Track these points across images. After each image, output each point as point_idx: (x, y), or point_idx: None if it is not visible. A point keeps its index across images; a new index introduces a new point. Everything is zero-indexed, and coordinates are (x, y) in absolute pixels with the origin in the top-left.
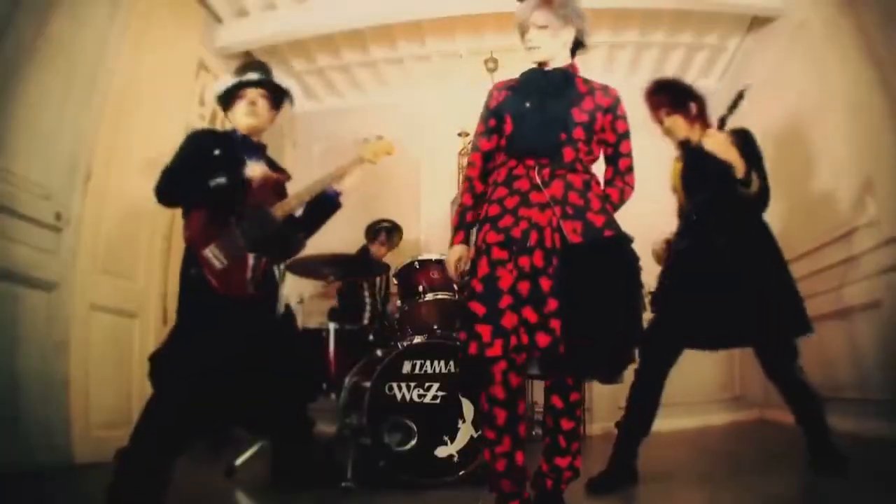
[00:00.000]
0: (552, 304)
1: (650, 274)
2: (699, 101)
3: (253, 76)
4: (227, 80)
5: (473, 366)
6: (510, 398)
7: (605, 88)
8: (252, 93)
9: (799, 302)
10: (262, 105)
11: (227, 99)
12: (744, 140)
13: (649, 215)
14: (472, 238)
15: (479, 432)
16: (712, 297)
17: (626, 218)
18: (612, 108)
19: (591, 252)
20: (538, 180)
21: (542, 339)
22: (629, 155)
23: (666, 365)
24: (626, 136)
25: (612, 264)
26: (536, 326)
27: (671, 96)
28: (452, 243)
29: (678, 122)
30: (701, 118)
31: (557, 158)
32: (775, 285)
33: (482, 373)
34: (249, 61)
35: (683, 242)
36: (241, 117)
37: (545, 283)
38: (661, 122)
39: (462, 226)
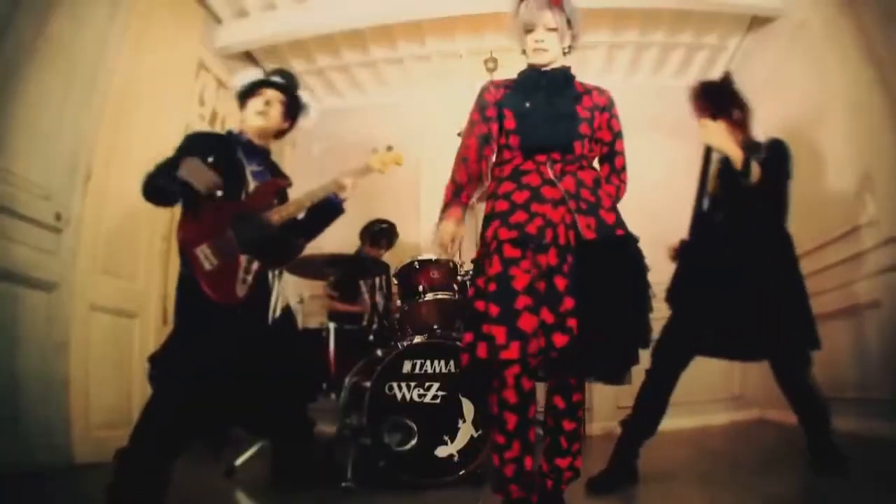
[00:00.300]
0: (568, 303)
1: (658, 273)
2: (744, 108)
3: (275, 78)
4: (250, 75)
5: (483, 368)
6: (522, 402)
7: (600, 89)
8: (269, 93)
9: (808, 314)
10: (276, 109)
11: (244, 96)
12: (772, 148)
13: (650, 216)
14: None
15: (479, 432)
16: (716, 294)
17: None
18: (608, 108)
19: (605, 249)
20: (551, 175)
21: (560, 339)
22: (623, 153)
23: (678, 366)
24: (620, 135)
25: (625, 263)
26: (553, 327)
27: (717, 101)
28: (444, 218)
29: (721, 128)
30: (744, 126)
31: (569, 153)
32: (782, 291)
33: (494, 375)
34: (278, 69)
35: (691, 237)
36: (252, 115)
37: (560, 282)
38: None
39: (457, 201)
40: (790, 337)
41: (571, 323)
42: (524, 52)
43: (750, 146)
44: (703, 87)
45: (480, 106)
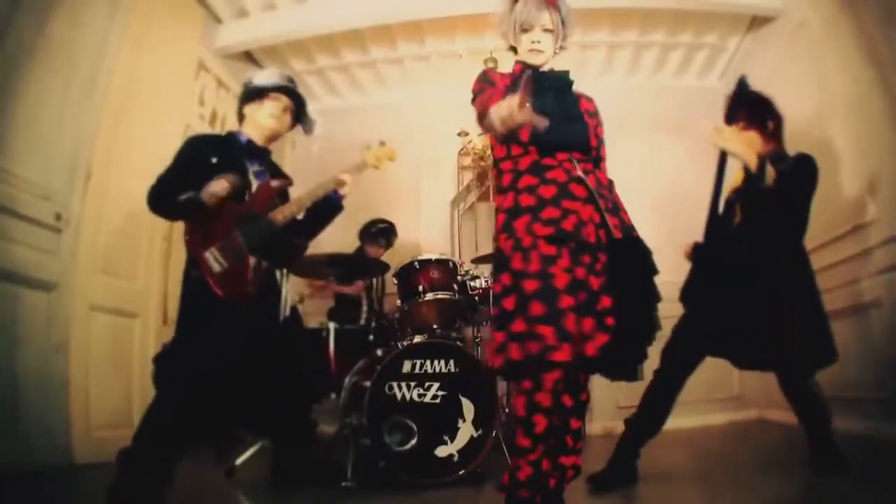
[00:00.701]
0: (606, 302)
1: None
2: (777, 118)
3: (293, 86)
4: (272, 76)
5: (526, 369)
6: (555, 406)
7: (587, 95)
8: (286, 100)
9: (825, 328)
10: (289, 115)
11: (257, 94)
12: (798, 159)
13: (649, 214)
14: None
15: (479, 432)
16: (729, 294)
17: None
18: (596, 114)
19: (631, 249)
20: (580, 172)
21: (601, 339)
22: (605, 159)
23: (688, 367)
24: (603, 141)
25: (644, 263)
26: (594, 327)
27: (751, 111)
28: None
29: (754, 138)
30: (777, 137)
31: (589, 153)
32: (796, 300)
33: (529, 377)
34: (285, 73)
35: (706, 239)
36: (266, 117)
37: (594, 281)
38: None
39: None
40: (803, 350)
41: (610, 322)
42: (513, 49)
43: (778, 157)
44: (737, 95)
45: (488, 80)
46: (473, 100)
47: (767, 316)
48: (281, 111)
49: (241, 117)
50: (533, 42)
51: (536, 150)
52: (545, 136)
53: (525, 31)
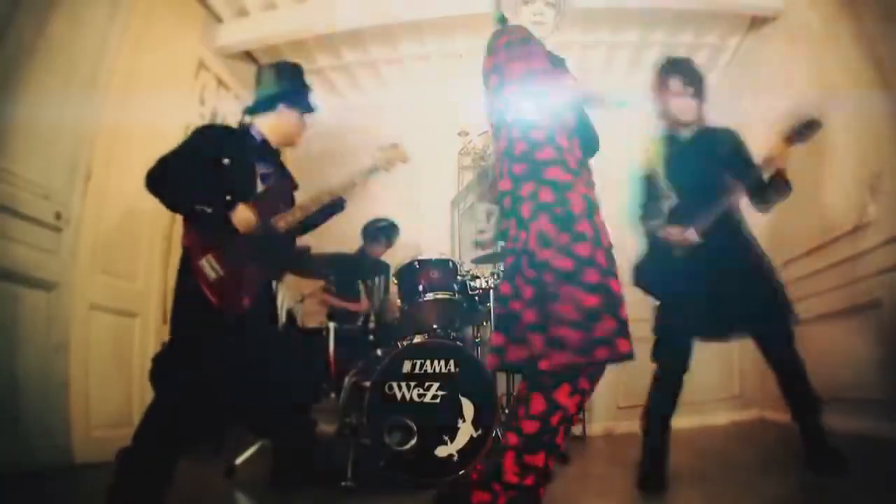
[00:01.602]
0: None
1: None
2: (703, 81)
3: (315, 104)
4: (305, 93)
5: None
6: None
7: None
8: (308, 115)
9: (781, 287)
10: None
11: (279, 99)
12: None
13: None
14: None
15: (479, 432)
16: (707, 273)
17: None
18: None
19: None
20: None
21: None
22: None
23: (685, 356)
24: None
25: None
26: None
27: (685, 78)
28: None
29: (689, 105)
30: (703, 99)
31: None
32: (762, 270)
33: (598, 375)
34: (303, 79)
35: (672, 224)
36: (288, 126)
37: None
38: (666, 102)
39: None
40: (778, 310)
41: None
42: (504, 19)
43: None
44: (670, 63)
45: (535, 52)
46: (507, 62)
47: (748, 284)
48: (299, 126)
49: (255, 111)
50: (535, 14)
51: (578, 145)
52: (587, 134)
53: (526, 2)
